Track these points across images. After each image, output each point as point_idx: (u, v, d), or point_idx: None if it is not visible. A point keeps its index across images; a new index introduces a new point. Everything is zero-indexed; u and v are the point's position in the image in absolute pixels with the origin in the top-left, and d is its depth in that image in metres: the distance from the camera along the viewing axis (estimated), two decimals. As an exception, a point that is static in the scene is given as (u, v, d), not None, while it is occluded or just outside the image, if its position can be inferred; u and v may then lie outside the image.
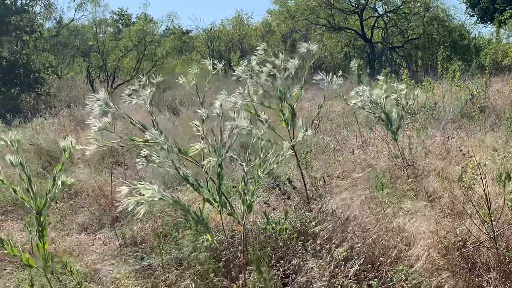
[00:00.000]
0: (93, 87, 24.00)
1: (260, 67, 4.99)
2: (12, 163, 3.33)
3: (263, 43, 5.13)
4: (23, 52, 21.72)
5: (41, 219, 3.33)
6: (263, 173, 3.79)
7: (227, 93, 4.55)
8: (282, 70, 5.00)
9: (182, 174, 3.59)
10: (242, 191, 3.78)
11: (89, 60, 25.55)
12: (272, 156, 3.91)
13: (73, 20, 26.81)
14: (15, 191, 3.32)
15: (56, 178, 3.40)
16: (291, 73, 5.03)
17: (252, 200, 3.72)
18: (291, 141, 5.19)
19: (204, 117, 3.90)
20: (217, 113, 3.81)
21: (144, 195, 3.21)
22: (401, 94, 6.51)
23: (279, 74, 4.99)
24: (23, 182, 3.32)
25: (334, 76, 5.63)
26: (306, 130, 4.61)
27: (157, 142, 3.71)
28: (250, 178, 3.92)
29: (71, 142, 3.49)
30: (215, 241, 4.13)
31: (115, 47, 25.91)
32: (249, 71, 4.93)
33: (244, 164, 3.81)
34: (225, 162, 3.74)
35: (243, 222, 3.82)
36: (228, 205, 3.74)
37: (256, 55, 5.02)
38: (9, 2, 21.90)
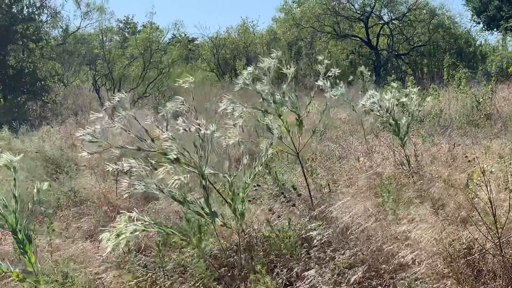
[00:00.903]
0: (99, 95, 24.08)
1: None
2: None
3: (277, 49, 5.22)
4: (30, 61, 21.84)
5: (19, 237, 3.31)
6: (249, 179, 3.80)
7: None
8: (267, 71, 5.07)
9: (167, 194, 3.60)
10: (231, 200, 3.79)
11: (95, 68, 25.66)
12: (256, 160, 3.92)
13: (79, 28, 27.00)
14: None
15: (16, 195, 3.38)
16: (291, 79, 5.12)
17: (243, 208, 3.73)
18: (296, 149, 5.22)
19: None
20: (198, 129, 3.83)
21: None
22: (412, 98, 6.51)
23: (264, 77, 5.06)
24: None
25: (340, 82, 5.64)
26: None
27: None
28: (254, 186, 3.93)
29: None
30: (218, 249, 4.13)
31: (121, 55, 26.01)
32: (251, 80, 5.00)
33: (226, 175, 3.81)
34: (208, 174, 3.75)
35: (238, 231, 3.82)
36: (216, 215, 3.75)
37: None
38: (15, 11, 22.04)
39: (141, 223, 3.29)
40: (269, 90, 5.08)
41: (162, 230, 3.43)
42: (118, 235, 3.15)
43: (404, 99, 6.55)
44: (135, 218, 3.28)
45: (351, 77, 8.63)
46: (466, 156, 6.22)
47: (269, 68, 5.06)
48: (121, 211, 3.40)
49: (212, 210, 3.70)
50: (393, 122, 6.39)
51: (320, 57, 5.43)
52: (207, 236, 4.47)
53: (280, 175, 6.59)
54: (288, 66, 5.21)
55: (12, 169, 3.42)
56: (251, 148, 5.83)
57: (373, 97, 6.40)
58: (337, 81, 5.61)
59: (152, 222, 3.39)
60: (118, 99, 3.85)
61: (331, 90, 5.55)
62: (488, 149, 7.28)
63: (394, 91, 6.47)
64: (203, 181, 3.68)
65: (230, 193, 3.76)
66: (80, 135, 3.69)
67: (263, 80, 5.07)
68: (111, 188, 7.40)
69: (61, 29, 26.71)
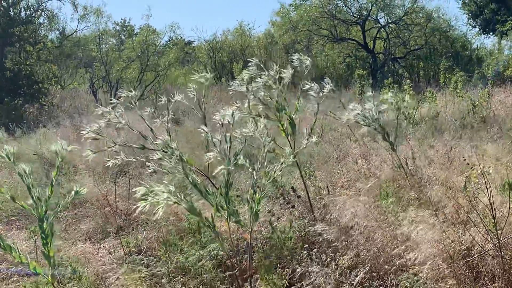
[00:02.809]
0: (96, 97, 24.09)
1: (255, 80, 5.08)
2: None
3: (254, 59, 5.20)
4: (27, 63, 21.83)
5: (44, 226, 3.33)
6: (268, 180, 3.81)
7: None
8: (277, 80, 5.09)
9: (191, 180, 3.60)
10: (251, 199, 3.80)
11: (92, 71, 25.65)
12: (275, 164, 3.93)
13: (76, 31, 26.97)
14: (13, 199, 3.32)
15: (53, 183, 3.40)
16: (286, 83, 5.13)
17: (258, 208, 3.74)
18: (292, 150, 5.22)
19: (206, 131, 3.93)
20: (228, 121, 3.85)
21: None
22: (403, 105, 6.52)
23: (275, 85, 5.07)
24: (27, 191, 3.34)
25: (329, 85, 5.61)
26: (309, 139, 4.66)
27: (168, 148, 3.75)
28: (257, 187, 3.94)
29: (61, 145, 3.46)
30: (222, 249, 4.14)
31: (118, 57, 26.01)
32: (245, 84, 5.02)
33: (254, 172, 3.83)
34: (235, 170, 3.76)
35: (249, 230, 3.83)
36: (235, 212, 3.75)
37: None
38: (13, 14, 22.02)
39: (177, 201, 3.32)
40: (279, 94, 5.10)
41: (193, 210, 3.45)
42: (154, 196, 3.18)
43: (384, 107, 6.51)
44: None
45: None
46: (464, 159, 6.26)
47: (281, 78, 5.09)
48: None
49: (230, 207, 3.72)
50: (380, 129, 6.38)
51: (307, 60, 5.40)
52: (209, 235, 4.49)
53: (278, 177, 6.60)
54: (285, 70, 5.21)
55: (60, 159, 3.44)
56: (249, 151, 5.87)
57: (355, 110, 6.36)
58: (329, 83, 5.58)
59: (187, 202, 3.41)
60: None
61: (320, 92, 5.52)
62: (484, 152, 7.32)
63: (372, 100, 6.43)
64: (227, 176, 3.69)
65: (251, 191, 3.77)
66: (85, 132, 3.73)
67: (273, 88, 5.10)
68: (110, 190, 7.40)
69: (57, 32, 26.69)
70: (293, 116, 5.19)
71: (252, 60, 5.15)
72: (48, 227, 3.32)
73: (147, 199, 3.21)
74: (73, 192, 3.42)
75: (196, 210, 3.49)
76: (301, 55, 5.33)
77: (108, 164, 3.76)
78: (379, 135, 6.51)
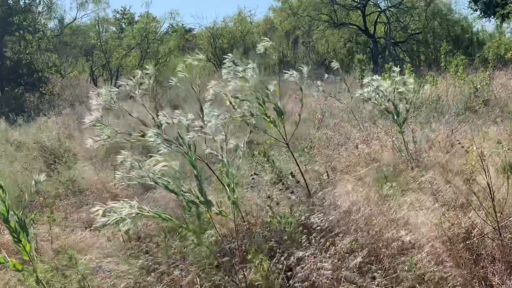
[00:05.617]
0: (96, 85, 24.06)
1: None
2: None
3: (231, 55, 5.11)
4: (27, 52, 21.77)
5: (12, 226, 3.29)
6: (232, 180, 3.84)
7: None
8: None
9: (161, 184, 3.61)
10: (227, 185, 3.83)
11: (92, 59, 25.60)
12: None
13: (75, 19, 26.89)
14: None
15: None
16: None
17: (235, 197, 3.78)
18: (285, 139, 5.18)
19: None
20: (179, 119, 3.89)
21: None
22: (408, 87, 6.50)
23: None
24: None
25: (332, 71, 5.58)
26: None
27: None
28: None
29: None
30: (217, 236, 4.15)
31: (118, 45, 25.96)
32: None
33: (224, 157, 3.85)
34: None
35: (233, 218, 3.87)
36: (214, 204, 3.78)
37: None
38: (11, 2, 21.93)
39: (139, 211, 3.30)
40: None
41: (161, 217, 3.44)
42: (117, 222, 3.15)
43: (401, 89, 6.53)
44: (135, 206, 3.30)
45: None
46: (459, 143, 6.23)
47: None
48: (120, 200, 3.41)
49: (208, 199, 3.72)
50: (392, 108, 6.38)
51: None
52: (207, 224, 4.48)
53: (278, 163, 6.58)
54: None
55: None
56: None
57: (372, 85, 6.38)
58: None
59: (151, 211, 3.39)
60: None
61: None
62: (486, 135, 7.28)
63: (395, 78, 6.44)
64: (195, 171, 3.70)
65: (226, 178, 3.78)
66: (88, 121, 3.73)
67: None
68: (109, 177, 7.39)
69: (56, 20, 26.62)
70: (279, 104, 5.10)
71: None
72: (16, 226, 3.28)
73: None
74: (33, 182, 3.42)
75: (164, 217, 3.50)
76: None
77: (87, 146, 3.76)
78: (388, 115, 6.51)
